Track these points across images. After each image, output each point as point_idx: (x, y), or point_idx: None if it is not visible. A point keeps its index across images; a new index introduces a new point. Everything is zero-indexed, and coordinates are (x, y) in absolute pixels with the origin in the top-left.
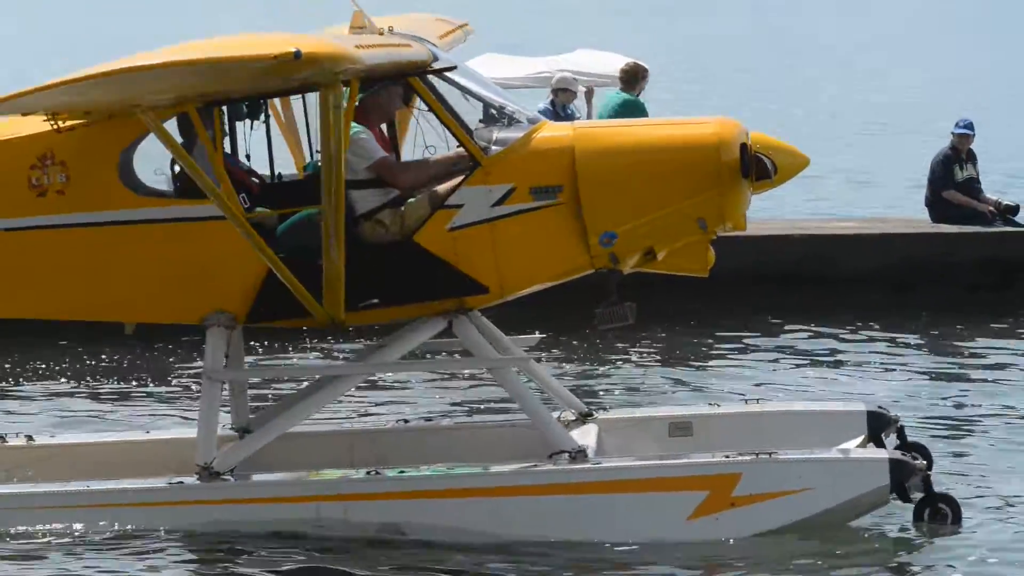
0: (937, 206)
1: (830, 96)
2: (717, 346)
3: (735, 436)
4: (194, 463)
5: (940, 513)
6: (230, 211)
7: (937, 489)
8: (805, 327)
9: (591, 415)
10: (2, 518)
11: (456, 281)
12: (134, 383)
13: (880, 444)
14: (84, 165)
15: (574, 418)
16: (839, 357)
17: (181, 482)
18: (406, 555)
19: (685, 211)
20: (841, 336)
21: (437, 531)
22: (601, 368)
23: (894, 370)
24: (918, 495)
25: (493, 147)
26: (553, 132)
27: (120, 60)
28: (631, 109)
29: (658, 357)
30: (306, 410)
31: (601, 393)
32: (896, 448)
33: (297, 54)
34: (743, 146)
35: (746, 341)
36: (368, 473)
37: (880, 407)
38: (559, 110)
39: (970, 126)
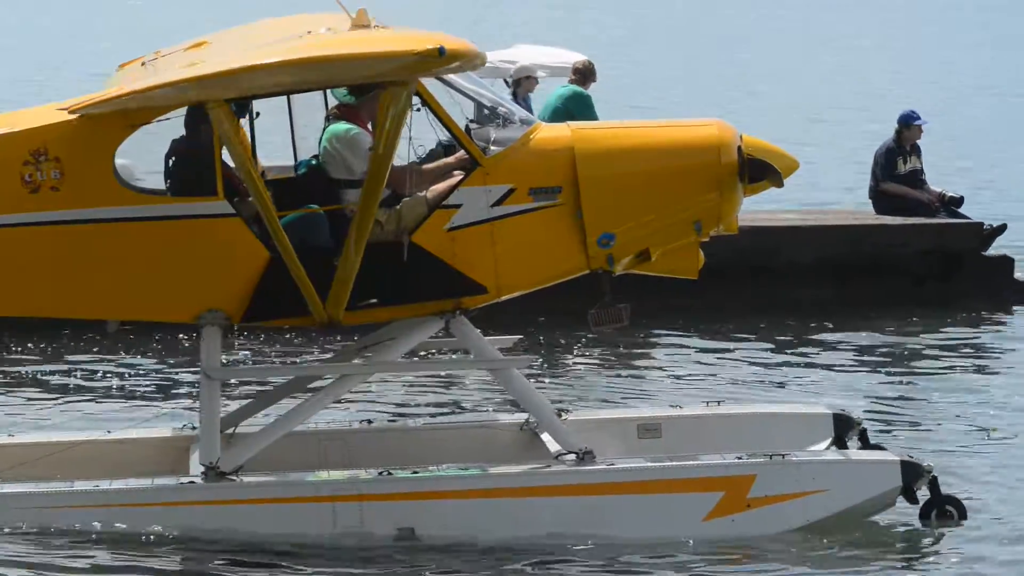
0: (880, 198)
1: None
2: (658, 343)
3: (705, 438)
4: (200, 463)
5: (946, 515)
6: (268, 211)
7: (943, 491)
8: (746, 321)
9: (562, 415)
10: (8, 517)
11: (454, 281)
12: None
13: (843, 447)
14: (79, 161)
15: None
16: (784, 352)
17: (192, 482)
18: (420, 556)
19: (684, 213)
20: (784, 330)
21: (451, 532)
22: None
23: (840, 365)
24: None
25: (492, 147)
26: (551, 133)
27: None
28: (579, 102)
29: (604, 357)
30: (310, 409)
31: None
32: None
33: (441, 51)
34: (739, 149)
35: (689, 336)
36: (380, 473)
37: (843, 410)
38: (520, 100)
39: (918, 117)
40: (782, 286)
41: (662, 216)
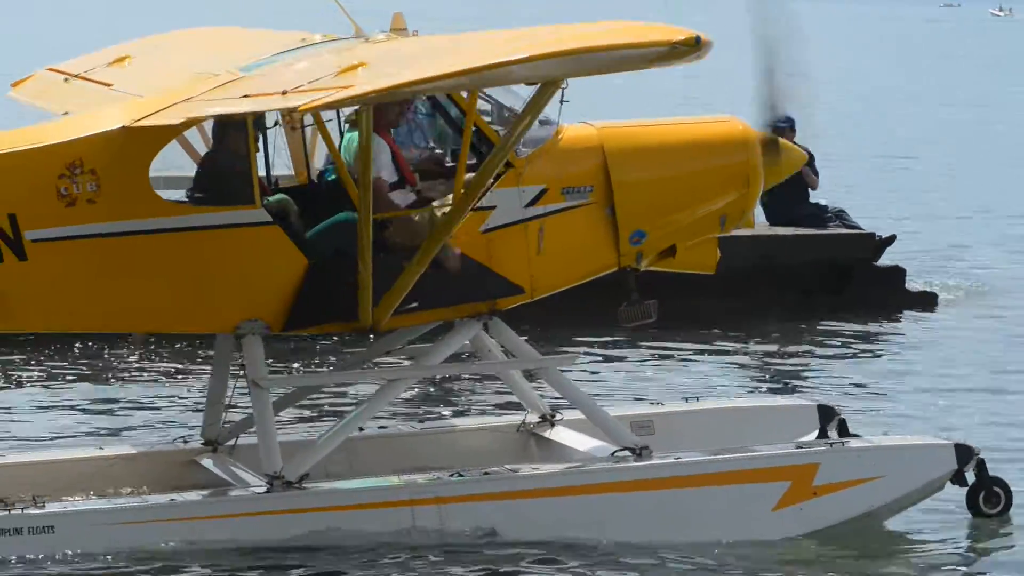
0: (771, 207)
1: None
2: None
3: (700, 433)
4: (263, 472)
5: (994, 497)
6: (367, 216)
7: (991, 473)
8: (644, 331)
9: (555, 416)
10: (80, 535)
11: (491, 283)
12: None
13: (825, 436)
14: (115, 173)
15: (539, 420)
16: (675, 360)
17: (266, 493)
18: (500, 557)
19: (713, 209)
20: (679, 342)
21: (530, 532)
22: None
23: (728, 374)
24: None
25: (522, 148)
26: (579, 132)
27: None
28: None
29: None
30: (364, 415)
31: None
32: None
33: (698, 40)
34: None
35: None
36: (452, 475)
37: (824, 402)
38: None
39: (789, 121)
40: (679, 296)
41: (692, 213)
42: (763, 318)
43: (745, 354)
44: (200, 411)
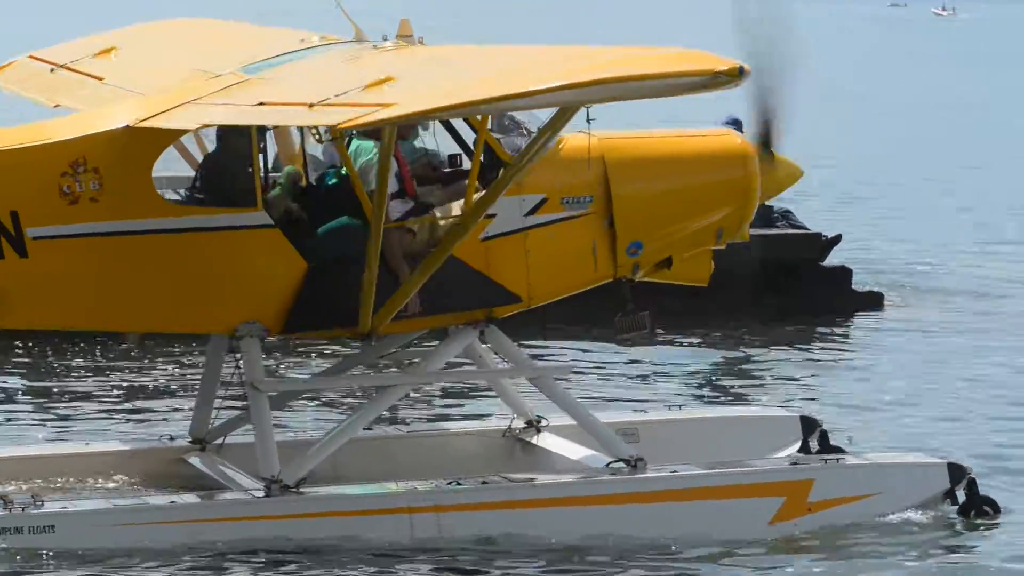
0: None
1: None
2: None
3: (685, 442)
4: (261, 475)
5: (984, 516)
6: (379, 226)
7: (981, 492)
8: (576, 335)
9: (540, 422)
10: (81, 535)
11: (489, 291)
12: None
13: (807, 448)
14: (118, 172)
15: (524, 425)
16: (617, 362)
17: (264, 496)
18: (497, 566)
19: (711, 223)
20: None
21: (527, 541)
22: None
23: (672, 376)
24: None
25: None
26: (579, 143)
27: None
28: None
29: None
30: (362, 420)
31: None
32: (818, 452)
33: (742, 70)
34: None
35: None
36: (450, 483)
37: (807, 413)
38: None
39: (736, 123)
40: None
41: (690, 225)
42: (707, 319)
43: (690, 357)
44: (187, 409)
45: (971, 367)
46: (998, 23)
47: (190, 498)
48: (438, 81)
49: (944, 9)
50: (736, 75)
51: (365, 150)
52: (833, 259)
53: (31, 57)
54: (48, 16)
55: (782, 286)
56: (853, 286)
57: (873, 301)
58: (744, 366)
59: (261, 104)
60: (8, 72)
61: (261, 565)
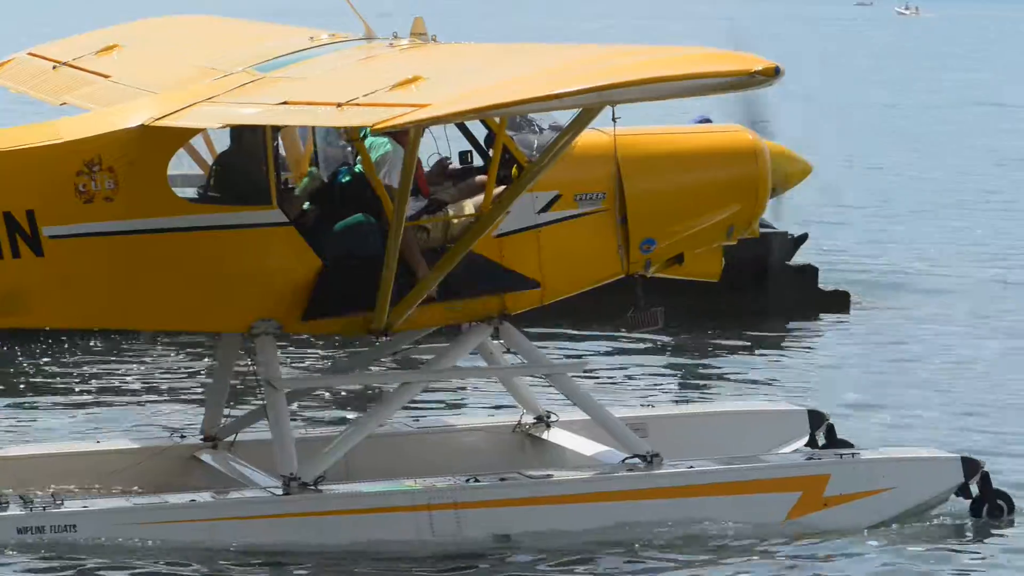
0: None
1: None
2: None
3: (693, 437)
4: (279, 473)
5: (997, 510)
6: (399, 225)
7: (994, 486)
8: (551, 333)
9: (550, 417)
10: (102, 533)
11: (503, 284)
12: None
13: (813, 442)
14: (134, 171)
15: (534, 421)
16: (599, 363)
17: (284, 493)
18: (515, 563)
19: (723, 219)
20: (598, 342)
21: (546, 538)
22: None
23: (640, 375)
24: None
25: (535, 154)
26: (592, 139)
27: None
28: None
29: None
30: (379, 417)
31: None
32: (825, 445)
33: (778, 70)
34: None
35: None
36: (468, 480)
37: (814, 407)
38: None
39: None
40: (588, 295)
41: (702, 222)
42: (673, 318)
43: (657, 353)
44: (198, 406)
45: (935, 364)
46: (960, 22)
47: (209, 496)
48: (469, 81)
49: (907, 8)
50: (772, 75)
51: (378, 144)
52: (799, 258)
53: (30, 54)
54: (43, 12)
55: (747, 284)
56: (819, 285)
57: (839, 300)
58: (712, 365)
59: (285, 103)
60: (8, 70)
61: (280, 563)
